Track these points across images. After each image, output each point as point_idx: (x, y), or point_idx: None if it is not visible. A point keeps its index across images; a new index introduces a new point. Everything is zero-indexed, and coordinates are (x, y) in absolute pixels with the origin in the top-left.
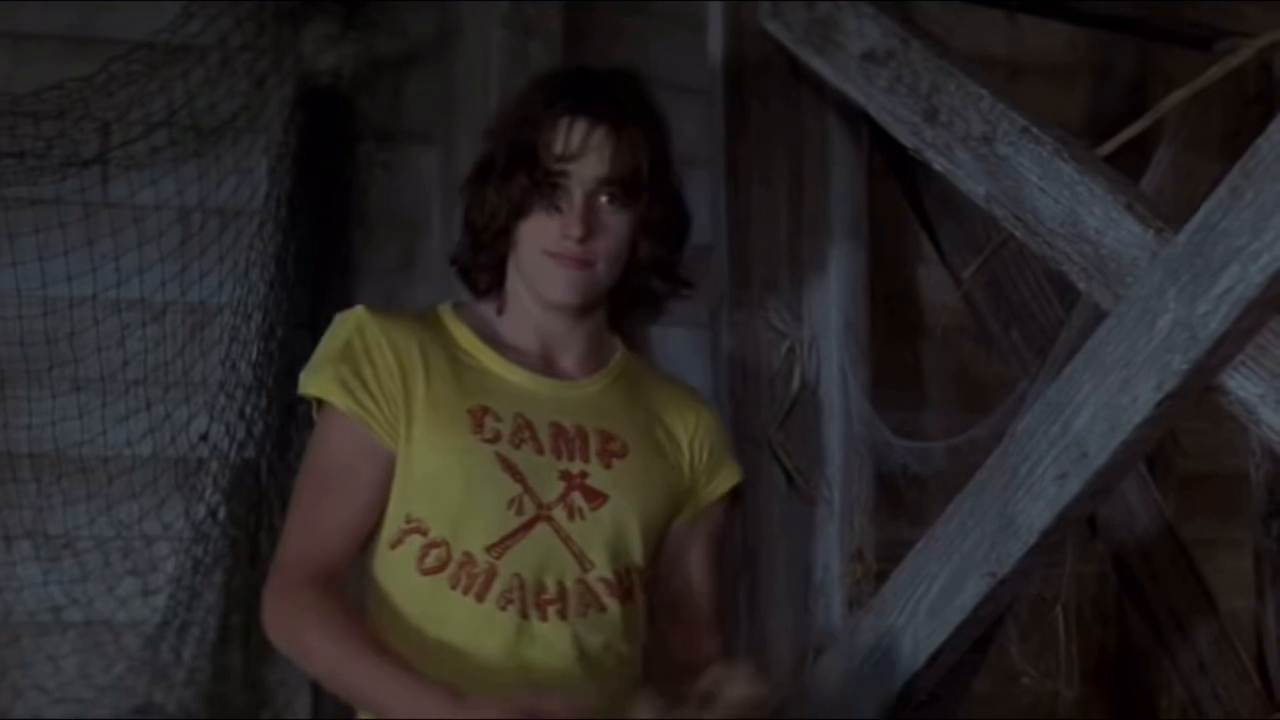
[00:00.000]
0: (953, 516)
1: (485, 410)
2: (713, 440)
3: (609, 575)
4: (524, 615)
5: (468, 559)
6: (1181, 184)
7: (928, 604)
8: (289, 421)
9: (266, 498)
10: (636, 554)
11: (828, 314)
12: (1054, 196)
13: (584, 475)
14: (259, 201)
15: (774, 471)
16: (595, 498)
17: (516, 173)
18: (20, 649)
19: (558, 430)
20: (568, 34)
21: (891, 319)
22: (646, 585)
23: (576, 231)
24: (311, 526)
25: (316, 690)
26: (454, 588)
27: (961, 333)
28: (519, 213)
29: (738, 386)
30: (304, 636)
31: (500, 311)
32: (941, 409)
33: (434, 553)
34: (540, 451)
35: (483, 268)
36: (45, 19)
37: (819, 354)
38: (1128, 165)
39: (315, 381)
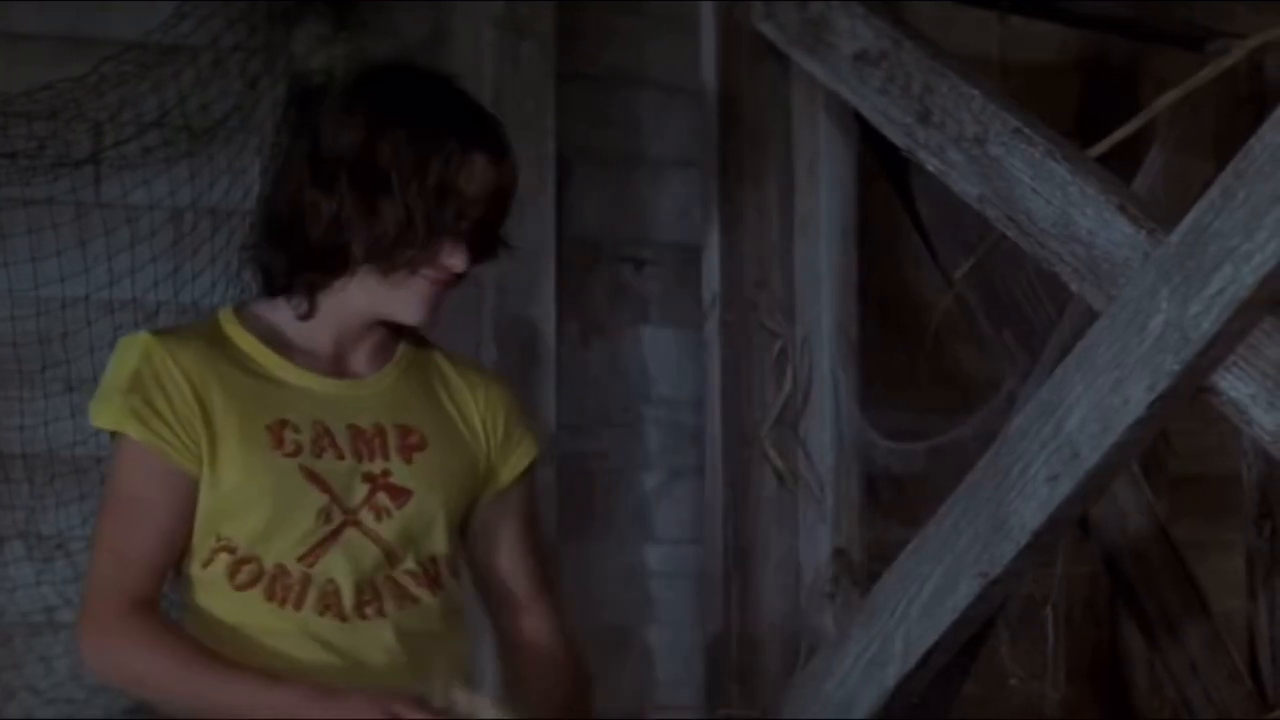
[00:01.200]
0: (945, 517)
1: (284, 424)
2: (505, 416)
3: (414, 568)
4: (343, 618)
5: (280, 570)
6: (1173, 185)
7: (920, 604)
8: None
9: None
10: (440, 543)
11: (819, 314)
12: (1046, 197)
13: (386, 474)
14: (251, 202)
15: (764, 472)
16: (399, 495)
17: (428, 208)
18: (13, 650)
19: (356, 432)
20: (560, 34)
21: (883, 320)
22: (455, 569)
23: (460, 265)
24: (120, 558)
25: None
26: (270, 599)
27: (954, 333)
28: (414, 242)
29: (729, 387)
30: (134, 664)
31: (305, 317)
32: (933, 410)
33: (245, 569)
34: (341, 456)
35: (296, 273)
36: (37, 19)
37: (810, 354)
38: (1120, 166)
39: (106, 412)
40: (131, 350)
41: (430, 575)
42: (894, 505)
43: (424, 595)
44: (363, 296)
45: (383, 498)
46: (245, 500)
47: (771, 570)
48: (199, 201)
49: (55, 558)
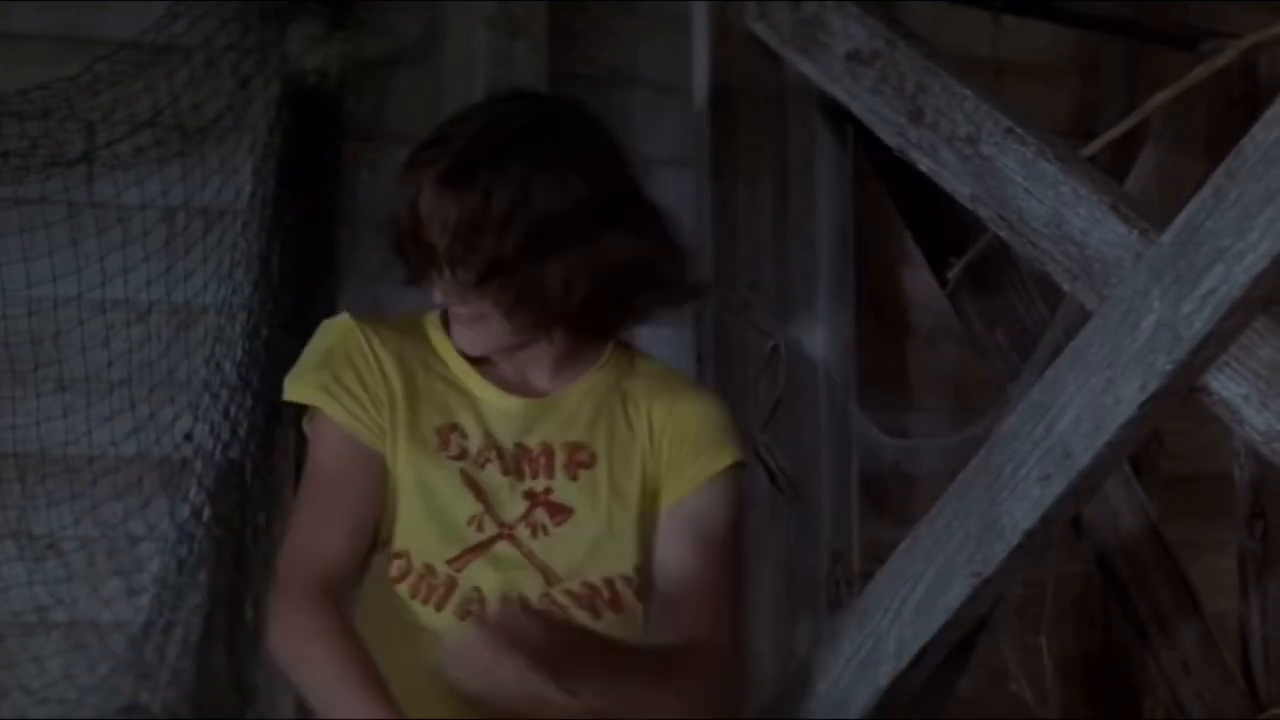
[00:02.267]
0: (937, 517)
1: (453, 428)
2: (686, 430)
3: (576, 589)
4: None
5: (428, 570)
6: (1166, 184)
7: (913, 604)
8: (273, 422)
9: (251, 498)
10: (620, 562)
11: (812, 314)
12: (1038, 197)
13: (548, 491)
14: (244, 201)
15: (758, 472)
16: (559, 512)
17: (407, 243)
18: (5, 650)
19: (522, 451)
20: (553, 34)
21: (876, 319)
22: (641, 592)
23: (440, 299)
24: (313, 532)
25: None
26: (414, 597)
27: (946, 333)
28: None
29: (722, 387)
30: (311, 650)
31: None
32: (926, 410)
33: (397, 563)
34: (505, 472)
35: None
36: (31, 19)
37: (803, 355)
38: (1112, 166)
39: (299, 388)
40: (330, 330)
41: (599, 597)
42: (888, 504)
43: (582, 617)
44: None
45: (541, 514)
46: (402, 494)
47: (765, 570)
48: (191, 201)
49: (47, 557)
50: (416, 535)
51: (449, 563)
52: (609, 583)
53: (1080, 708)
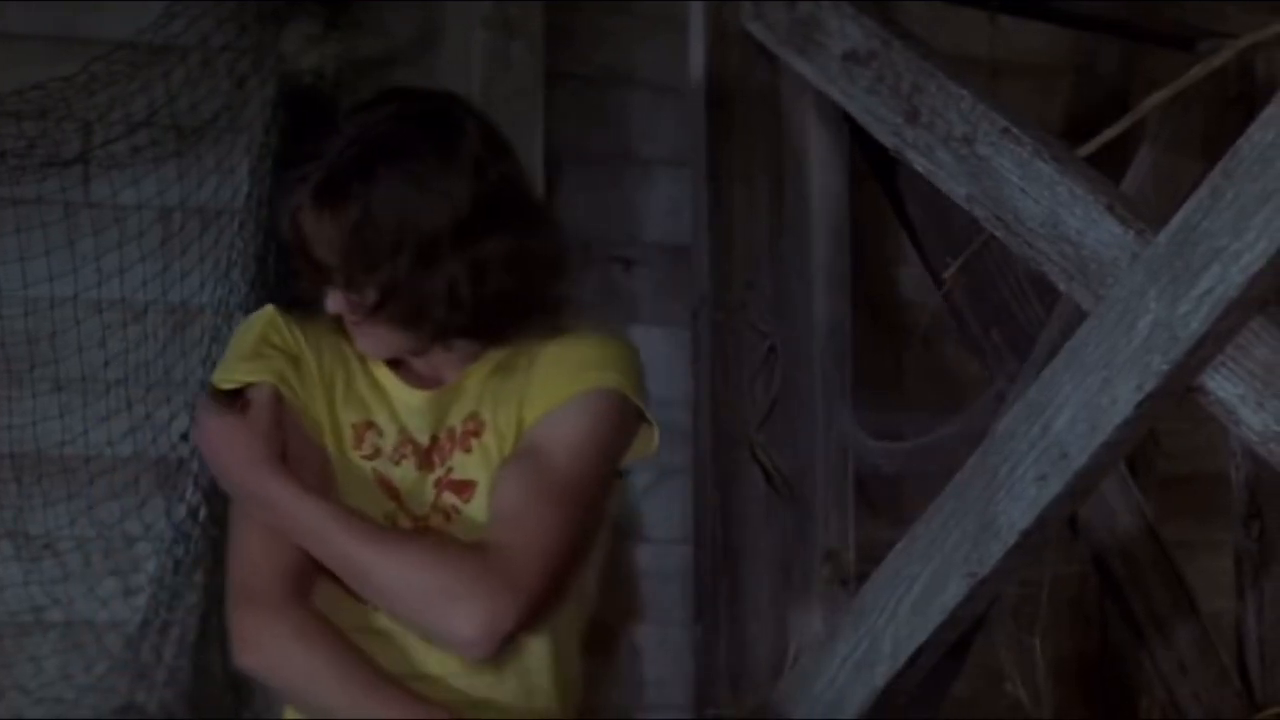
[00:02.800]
0: (933, 517)
1: (369, 425)
2: (558, 360)
3: None
4: None
5: None
6: (1162, 185)
7: (909, 604)
8: None
9: None
10: None
11: (808, 314)
12: (1034, 197)
13: (450, 472)
14: (240, 201)
15: (754, 472)
16: (464, 489)
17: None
18: (2, 649)
19: (434, 445)
20: (549, 34)
21: (872, 320)
22: None
23: (333, 308)
24: (272, 537)
25: None
26: (346, 594)
27: (942, 333)
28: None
29: (718, 387)
30: (294, 656)
31: None
32: (922, 410)
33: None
34: (420, 467)
35: None
36: (27, 19)
37: (799, 355)
38: (1109, 166)
39: (240, 373)
40: (257, 321)
41: None
42: (884, 505)
43: None
44: None
45: (448, 496)
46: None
47: (761, 570)
48: (187, 201)
49: (43, 557)
50: None
51: None
52: None
53: (1076, 708)
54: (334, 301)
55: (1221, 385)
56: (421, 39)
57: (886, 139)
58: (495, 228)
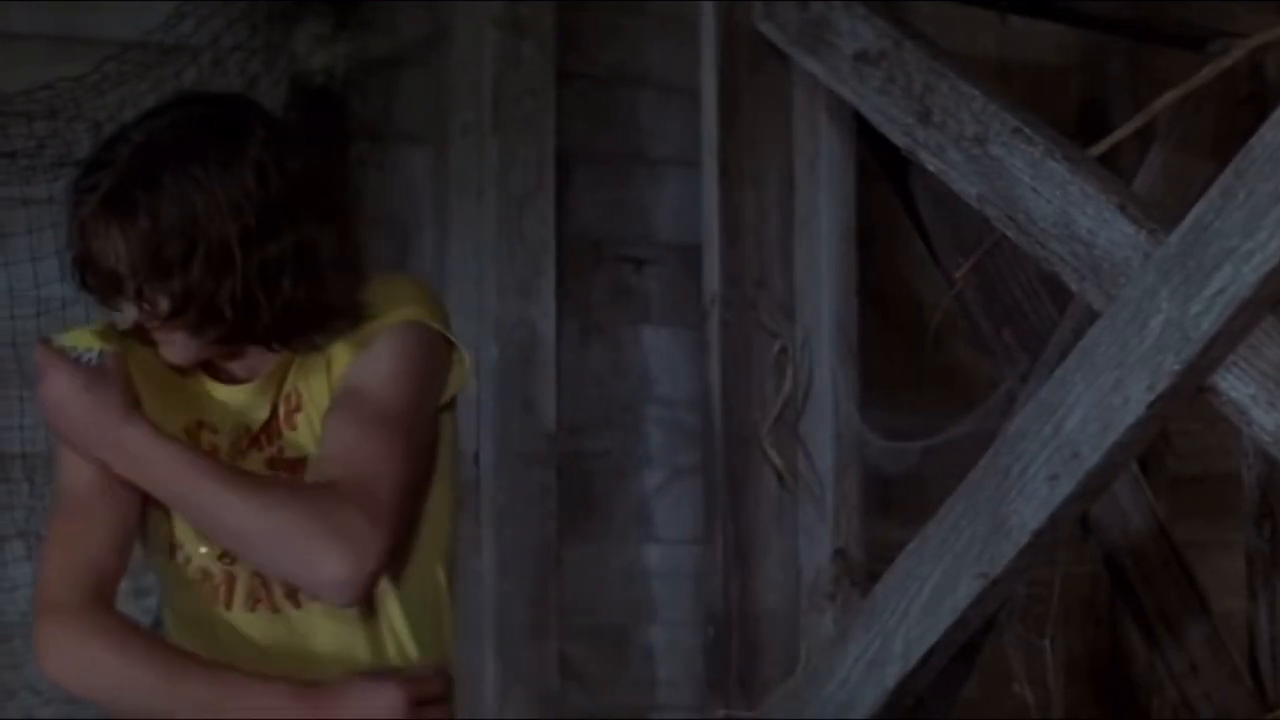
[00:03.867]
0: (945, 517)
1: (200, 424)
2: (371, 309)
3: None
4: (275, 609)
5: (204, 574)
6: (1173, 185)
7: (920, 604)
8: None
9: None
10: None
11: (819, 314)
12: (1046, 197)
13: (281, 450)
14: None
15: (765, 471)
16: (294, 467)
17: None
18: (12, 650)
19: (264, 430)
20: (560, 34)
21: (883, 320)
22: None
23: (138, 318)
24: (77, 547)
25: None
26: (203, 603)
27: (954, 333)
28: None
29: (729, 387)
30: (108, 662)
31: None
32: (933, 410)
33: (190, 566)
34: (260, 448)
35: None
36: (37, 19)
37: (810, 354)
38: (1120, 166)
39: (88, 336)
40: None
41: None
42: (895, 505)
43: None
44: None
45: (284, 476)
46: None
47: (771, 570)
48: None
49: None
50: (186, 537)
51: (219, 558)
52: None
53: (1088, 707)
54: (129, 311)
55: (1233, 385)
56: (431, 39)
57: (898, 139)
58: (285, 231)
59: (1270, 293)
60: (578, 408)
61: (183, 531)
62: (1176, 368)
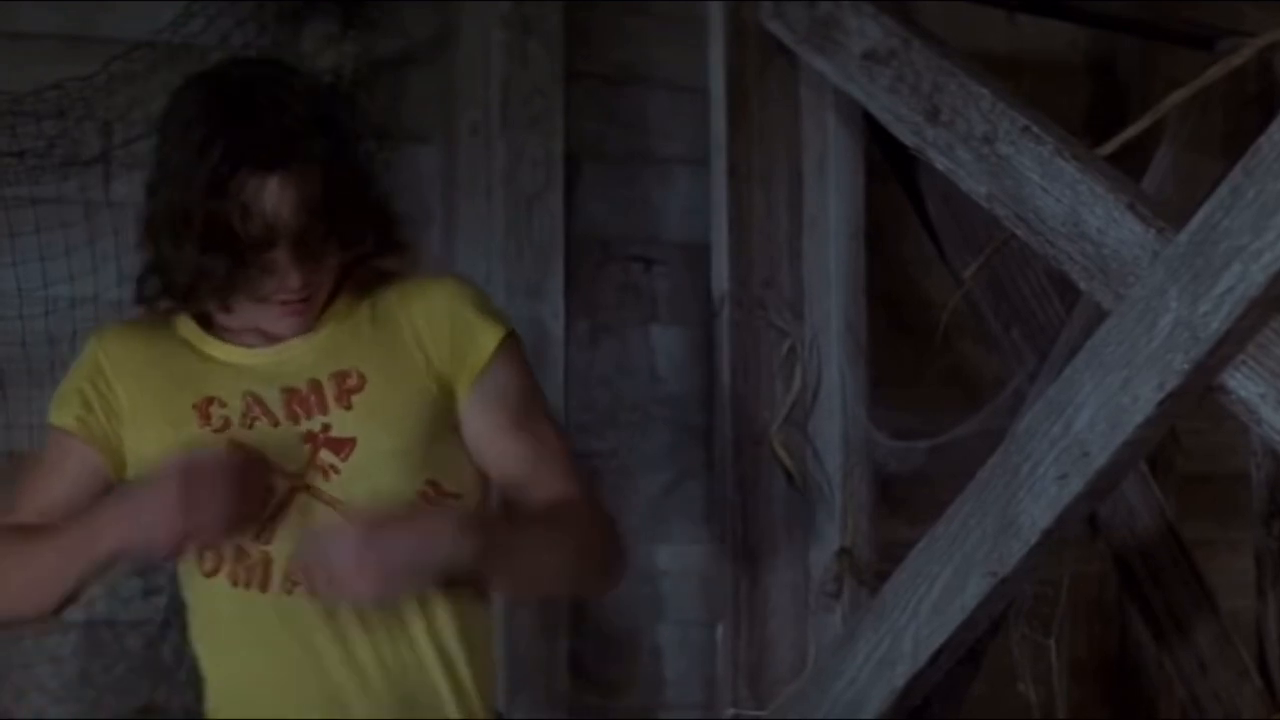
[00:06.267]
0: (954, 516)
1: (210, 400)
2: (450, 318)
3: None
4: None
5: (240, 552)
6: (1182, 184)
7: (929, 603)
8: None
9: None
10: (418, 475)
11: (828, 313)
12: (1055, 196)
13: (326, 429)
14: None
15: (774, 471)
16: (342, 446)
17: (217, 251)
18: (22, 649)
19: (290, 394)
20: (568, 33)
21: (892, 319)
22: (447, 492)
23: (295, 285)
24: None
25: None
26: (236, 584)
27: (962, 332)
28: (230, 287)
29: (738, 385)
30: None
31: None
32: (942, 409)
33: (209, 554)
34: (276, 423)
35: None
36: (46, 19)
37: (819, 353)
38: (1129, 165)
39: (52, 414)
40: (83, 349)
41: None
42: (903, 504)
43: None
44: (246, 317)
45: (326, 455)
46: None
47: (780, 569)
48: None
49: None
50: None
51: (255, 538)
52: (415, 506)
53: (1096, 706)
54: (260, 287)
55: (1242, 384)
56: (439, 38)
57: (907, 138)
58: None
59: (1279, 291)
60: (586, 407)
61: None
62: (1185, 367)
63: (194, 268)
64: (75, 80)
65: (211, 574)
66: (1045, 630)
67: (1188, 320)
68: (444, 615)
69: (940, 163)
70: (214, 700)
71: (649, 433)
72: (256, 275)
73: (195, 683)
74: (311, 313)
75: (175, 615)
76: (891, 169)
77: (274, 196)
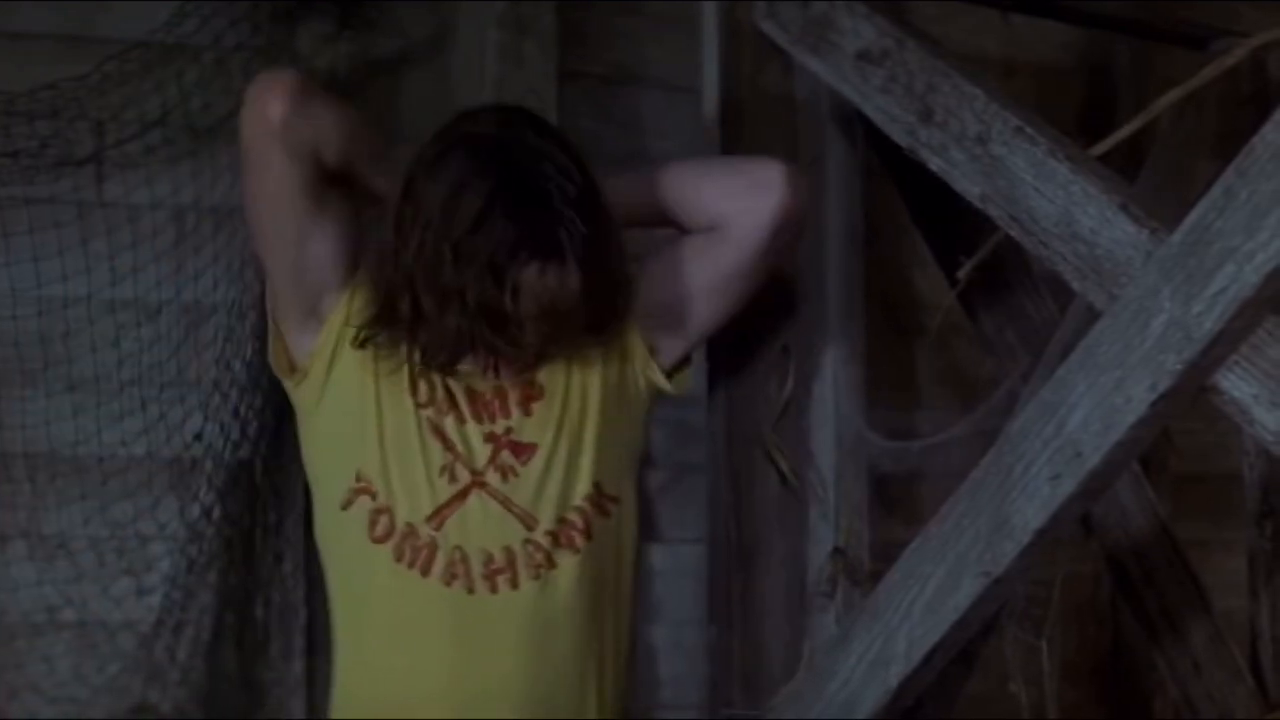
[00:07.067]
0: (947, 516)
1: (422, 373)
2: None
3: (555, 528)
4: (470, 590)
5: (410, 530)
6: (1176, 184)
7: (923, 604)
8: (283, 421)
9: (261, 497)
10: (585, 485)
11: (822, 313)
12: (1048, 196)
13: (509, 431)
14: None
15: (768, 472)
16: (523, 451)
17: (481, 325)
18: (15, 650)
19: (473, 396)
20: (562, 34)
21: (886, 319)
22: (607, 495)
23: (529, 359)
24: None
25: (311, 689)
26: (399, 560)
27: (956, 333)
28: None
29: (732, 386)
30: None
31: None
32: (936, 409)
33: (382, 520)
34: (462, 420)
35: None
36: (40, 19)
37: (813, 354)
38: (1122, 165)
39: None
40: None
41: (574, 529)
42: (897, 504)
43: (565, 559)
44: None
45: (507, 456)
46: (382, 439)
47: (774, 569)
48: (201, 201)
49: (57, 557)
50: (395, 489)
51: (428, 520)
52: (580, 511)
53: (1089, 707)
54: (489, 359)
55: (1235, 384)
56: (435, 38)
57: (900, 138)
58: None
59: (1272, 292)
60: None
61: (386, 488)
62: (1178, 367)
63: (454, 336)
64: (69, 80)
65: (380, 541)
66: (1037, 631)
67: (1181, 321)
68: (597, 629)
69: (934, 163)
70: (344, 668)
71: None
72: (501, 345)
73: (188, 683)
74: (519, 373)
75: (169, 615)
76: (885, 169)
77: (552, 285)
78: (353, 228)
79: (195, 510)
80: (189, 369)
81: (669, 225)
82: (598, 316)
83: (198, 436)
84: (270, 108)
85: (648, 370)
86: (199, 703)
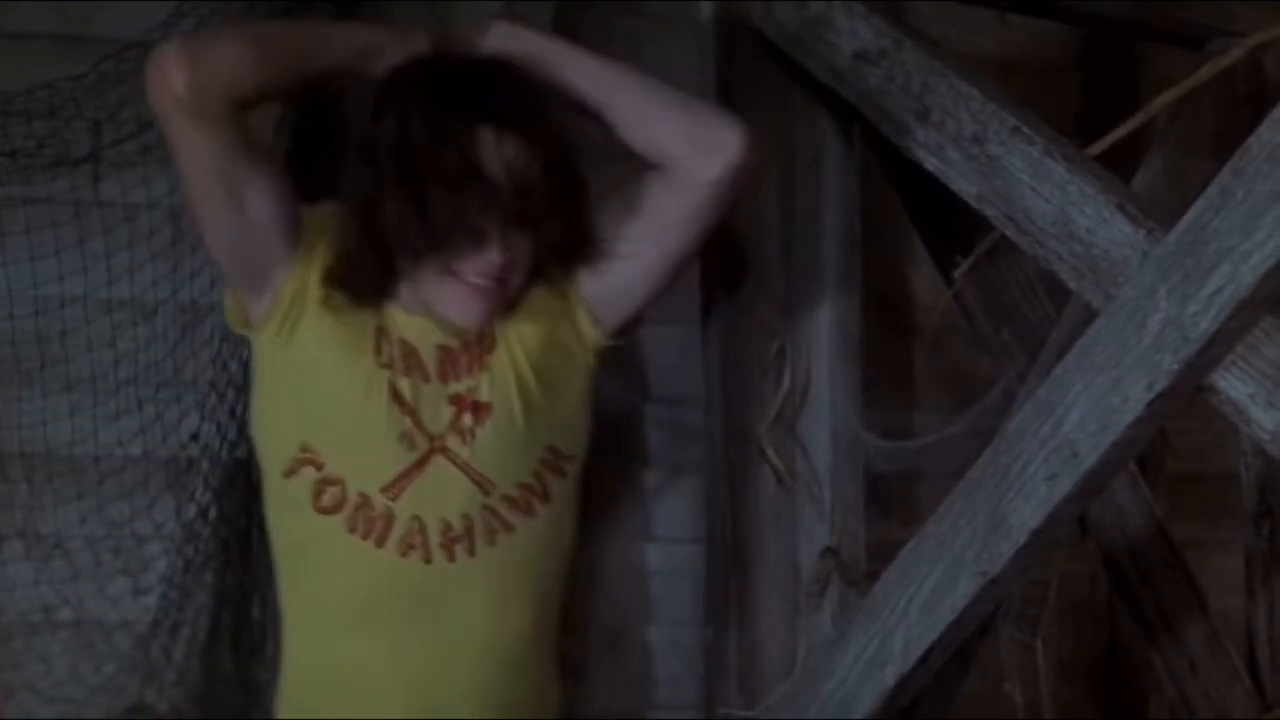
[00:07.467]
0: (944, 516)
1: (382, 331)
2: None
3: (512, 492)
4: (428, 560)
5: (364, 500)
6: (1173, 184)
7: (919, 603)
8: None
9: (257, 497)
10: (540, 446)
11: (819, 314)
12: (1045, 196)
13: (472, 391)
14: None
15: (764, 471)
16: (481, 412)
17: (437, 198)
18: (11, 649)
19: (444, 353)
20: (559, 32)
21: (883, 318)
22: (562, 455)
23: (496, 261)
24: None
25: None
26: (351, 531)
27: (952, 332)
28: (441, 241)
29: (728, 386)
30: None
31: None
32: (932, 409)
33: (330, 491)
34: (426, 379)
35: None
36: (37, 18)
37: (809, 354)
38: (1119, 165)
39: None
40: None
41: (532, 492)
42: (893, 504)
43: (520, 522)
44: (423, 292)
45: (467, 419)
46: (334, 406)
47: (770, 569)
48: None
49: (53, 557)
50: (348, 457)
51: (384, 490)
52: (537, 474)
53: (1085, 707)
54: (480, 259)
55: (1232, 384)
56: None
57: (897, 138)
58: None
59: (1268, 292)
60: None
61: (339, 458)
62: (1175, 367)
63: (442, 222)
64: (66, 80)
65: (329, 512)
66: (1034, 631)
67: (1177, 320)
68: (553, 587)
69: (930, 163)
70: (294, 641)
71: (638, 431)
72: (463, 240)
73: (184, 682)
74: (495, 306)
75: (165, 615)
76: (882, 169)
77: (510, 153)
78: (288, 192)
79: (192, 510)
80: (185, 369)
81: (603, 125)
82: (561, 207)
83: (194, 436)
84: (171, 81)
85: (588, 323)
86: (195, 702)
